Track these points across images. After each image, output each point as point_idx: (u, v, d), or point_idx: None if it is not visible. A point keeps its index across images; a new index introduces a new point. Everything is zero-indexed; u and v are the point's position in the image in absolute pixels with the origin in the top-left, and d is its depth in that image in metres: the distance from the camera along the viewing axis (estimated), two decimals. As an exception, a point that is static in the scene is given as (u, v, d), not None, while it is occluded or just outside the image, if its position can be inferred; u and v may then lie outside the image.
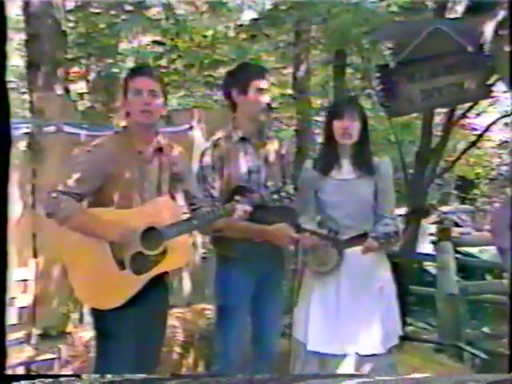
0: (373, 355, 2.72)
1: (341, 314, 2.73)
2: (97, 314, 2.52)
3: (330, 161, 2.84)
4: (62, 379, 3.35)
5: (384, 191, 2.83)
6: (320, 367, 2.75)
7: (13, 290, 4.11)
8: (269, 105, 2.93)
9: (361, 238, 2.69)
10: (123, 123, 2.65)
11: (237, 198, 2.63)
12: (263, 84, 2.91)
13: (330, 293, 2.77)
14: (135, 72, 2.64)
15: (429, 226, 7.72)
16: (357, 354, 2.70)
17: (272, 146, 3.04)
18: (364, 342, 2.71)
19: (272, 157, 3.02)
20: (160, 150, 2.62)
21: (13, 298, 4.09)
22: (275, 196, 2.71)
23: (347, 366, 2.70)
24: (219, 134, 3.01)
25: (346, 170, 2.83)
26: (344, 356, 2.70)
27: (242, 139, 2.96)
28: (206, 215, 2.57)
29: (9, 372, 3.52)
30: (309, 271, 2.89)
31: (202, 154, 2.97)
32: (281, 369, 3.43)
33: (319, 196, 2.85)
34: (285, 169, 3.07)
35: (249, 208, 2.61)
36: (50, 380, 3.09)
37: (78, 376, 3.48)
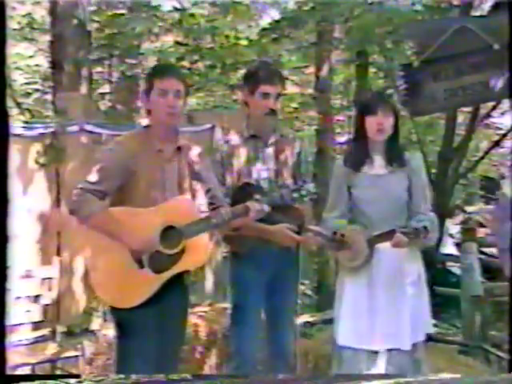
0: (399, 350, 2.68)
1: (373, 309, 2.70)
2: (117, 313, 2.51)
3: (362, 156, 2.80)
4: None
5: (417, 186, 2.80)
6: (350, 363, 2.72)
7: (37, 287, 4.15)
8: (273, 110, 2.90)
9: (391, 233, 2.64)
10: (144, 121, 2.64)
11: (257, 196, 2.62)
12: (270, 89, 2.90)
13: (361, 288, 2.74)
14: (163, 72, 2.57)
15: (453, 227, 7.63)
16: (386, 349, 2.68)
17: (286, 145, 3.03)
18: (393, 337, 2.68)
19: (285, 155, 3.01)
20: (179, 149, 2.60)
21: (37, 296, 4.13)
22: (295, 194, 2.70)
23: (377, 362, 2.68)
24: (232, 132, 3.04)
25: (377, 164, 2.80)
26: (374, 351, 2.68)
27: (253, 137, 2.98)
28: (225, 214, 2.55)
29: (37, 369, 3.57)
30: (341, 268, 2.87)
31: (214, 152, 3.02)
32: (300, 369, 3.42)
33: (352, 192, 2.81)
34: (301, 167, 3.05)
35: (266, 207, 2.60)
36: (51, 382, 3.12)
37: (77, 376, 3.50)
